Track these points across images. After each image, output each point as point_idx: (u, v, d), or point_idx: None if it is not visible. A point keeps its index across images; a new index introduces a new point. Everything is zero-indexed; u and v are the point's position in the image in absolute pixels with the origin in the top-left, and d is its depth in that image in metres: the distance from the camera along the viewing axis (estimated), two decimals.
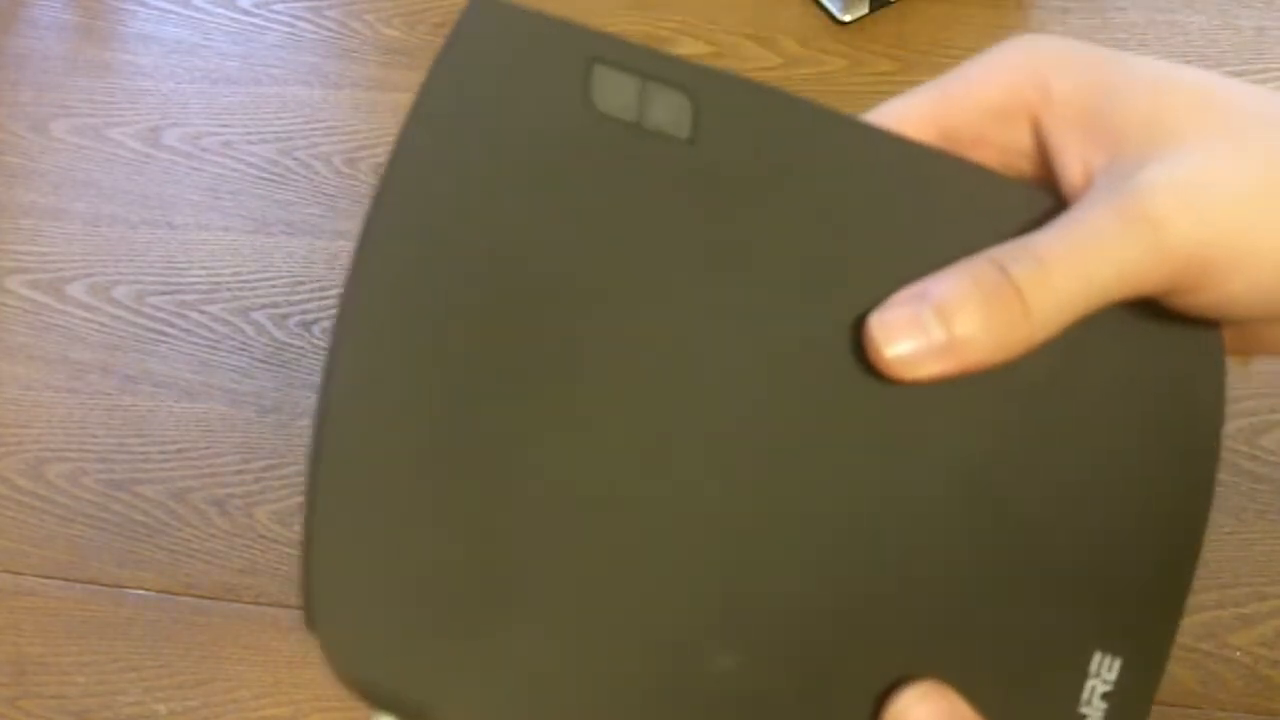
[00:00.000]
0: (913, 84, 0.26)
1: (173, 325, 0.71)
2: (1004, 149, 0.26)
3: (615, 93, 0.24)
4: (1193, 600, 0.62)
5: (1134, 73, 0.24)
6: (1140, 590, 0.24)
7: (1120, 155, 0.24)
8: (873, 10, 0.80)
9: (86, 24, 0.84)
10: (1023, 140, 0.26)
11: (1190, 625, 0.60)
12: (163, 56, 0.82)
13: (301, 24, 0.83)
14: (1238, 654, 0.60)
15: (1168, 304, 0.24)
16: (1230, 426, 0.65)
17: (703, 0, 0.82)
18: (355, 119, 0.78)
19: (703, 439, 0.23)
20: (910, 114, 0.26)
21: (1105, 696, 0.23)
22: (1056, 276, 0.23)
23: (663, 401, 0.22)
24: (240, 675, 0.62)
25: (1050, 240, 0.23)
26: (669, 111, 0.24)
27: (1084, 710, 0.23)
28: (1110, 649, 0.23)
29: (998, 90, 0.25)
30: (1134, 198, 0.23)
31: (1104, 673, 0.23)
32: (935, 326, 0.23)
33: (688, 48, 0.80)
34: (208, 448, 0.68)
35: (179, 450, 0.68)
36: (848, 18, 0.80)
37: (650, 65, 0.24)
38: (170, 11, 0.84)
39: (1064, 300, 0.23)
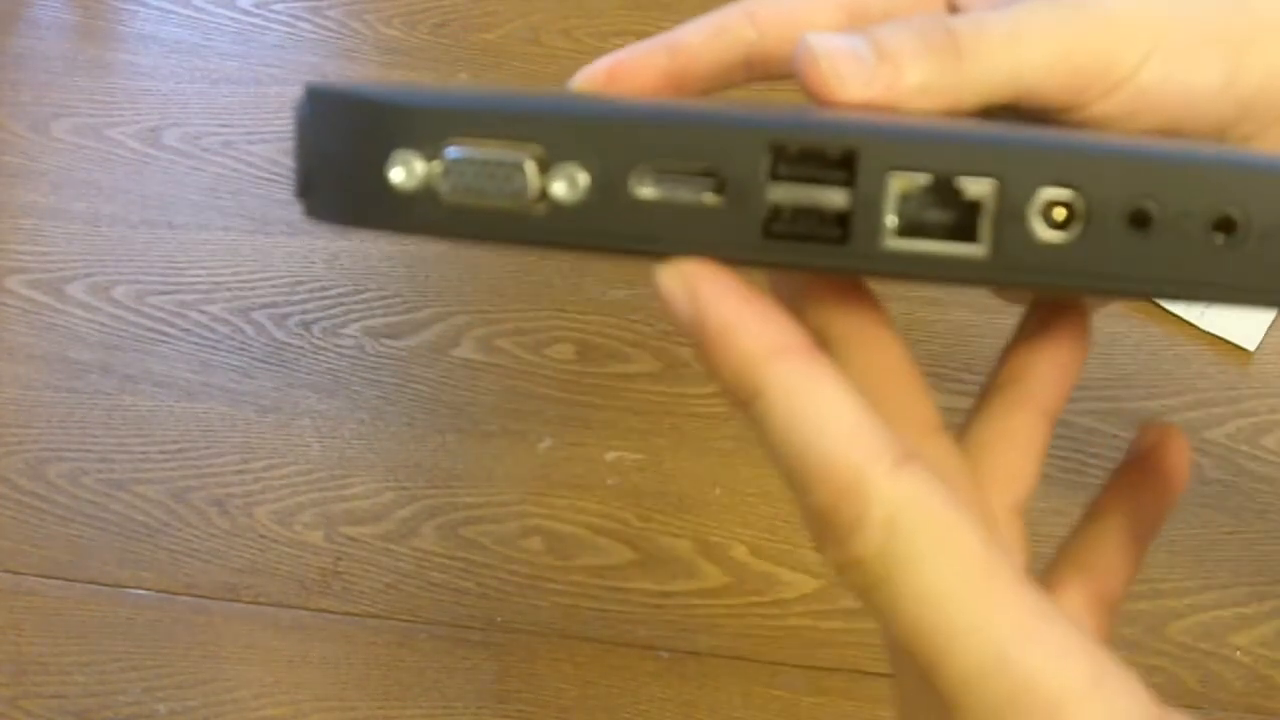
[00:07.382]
0: None
1: (173, 325, 0.71)
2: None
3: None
4: (1193, 600, 0.62)
5: None
6: None
7: None
8: None
9: (86, 24, 0.84)
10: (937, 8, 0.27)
11: (1190, 625, 0.60)
12: (163, 56, 0.82)
13: (301, 24, 0.83)
14: (1238, 654, 0.60)
15: (1084, 114, 0.25)
16: (1230, 426, 0.65)
17: (701, 1, 0.82)
18: None
19: None
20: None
21: None
22: (993, 33, 0.24)
23: None
24: (240, 675, 0.62)
25: (992, 13, 0.25)
26: None
27: None
28: None
29: None
30: None
31: None
32: (866, 46, 0.24)
33: None
34: (208, 448, 0.68)
35: (179, 450, 0.68)
36: None
37: None
38: (170, 11, 0.84)
39: (997, 58, 0.24)
